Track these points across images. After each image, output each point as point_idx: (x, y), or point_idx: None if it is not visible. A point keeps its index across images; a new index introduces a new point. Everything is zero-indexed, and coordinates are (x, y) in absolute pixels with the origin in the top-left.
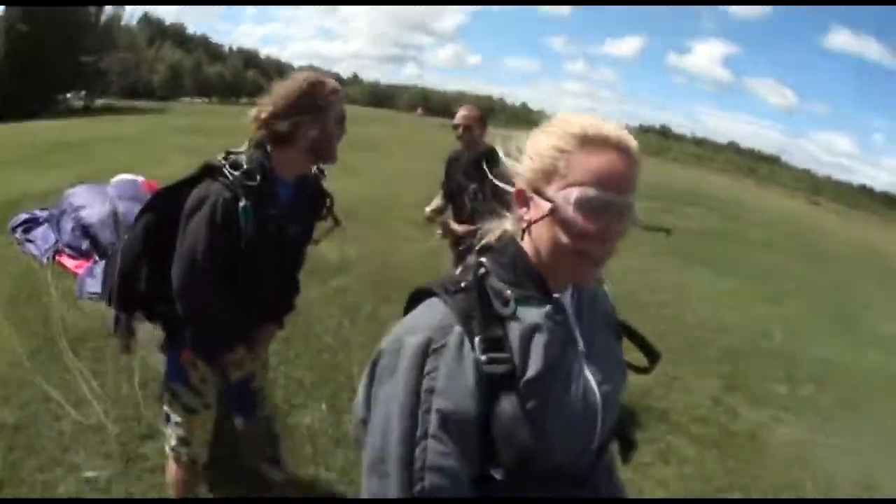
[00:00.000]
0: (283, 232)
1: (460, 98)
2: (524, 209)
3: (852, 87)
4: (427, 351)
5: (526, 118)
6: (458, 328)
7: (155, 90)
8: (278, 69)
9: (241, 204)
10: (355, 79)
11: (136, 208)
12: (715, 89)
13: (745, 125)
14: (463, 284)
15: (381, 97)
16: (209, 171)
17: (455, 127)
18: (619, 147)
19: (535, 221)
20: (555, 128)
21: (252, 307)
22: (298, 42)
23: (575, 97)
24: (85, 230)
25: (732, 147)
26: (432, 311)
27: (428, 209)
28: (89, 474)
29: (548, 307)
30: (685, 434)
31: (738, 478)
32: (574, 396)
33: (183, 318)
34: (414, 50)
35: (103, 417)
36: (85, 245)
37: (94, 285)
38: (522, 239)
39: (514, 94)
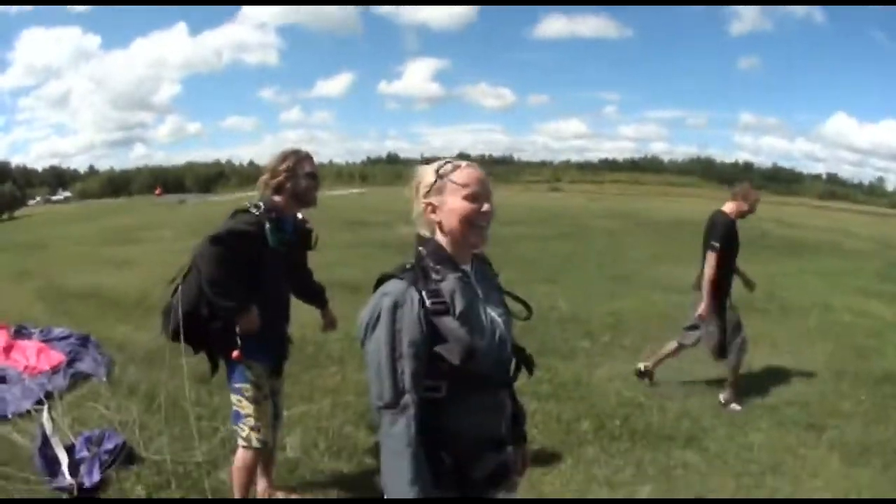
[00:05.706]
0: (290, 251)
1: (190, 169)
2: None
3: (571, 69)
4: (396, 306)
5: (256, 176)
6: (412, 290)
7: None
8: (27, 178)
9: (267, 226)
10: (92, 171)
11: None
12: (431, 106)
13: (468, 134)
14: (408, 266)
15: (118, 184)
16: (238, 211)
17: None
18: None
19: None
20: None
21: (268, 309)
22: (38, 143)
23: (296, 144)
24: None
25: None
26: (394, 285)
27: None
28: None
29: (459, 273)
30: (522, 394)
31: (583, 410)
32: (485, 322)
33: (214, 305)
34: (138, 129)
35: None
36: None
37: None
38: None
39: (240, 155)
